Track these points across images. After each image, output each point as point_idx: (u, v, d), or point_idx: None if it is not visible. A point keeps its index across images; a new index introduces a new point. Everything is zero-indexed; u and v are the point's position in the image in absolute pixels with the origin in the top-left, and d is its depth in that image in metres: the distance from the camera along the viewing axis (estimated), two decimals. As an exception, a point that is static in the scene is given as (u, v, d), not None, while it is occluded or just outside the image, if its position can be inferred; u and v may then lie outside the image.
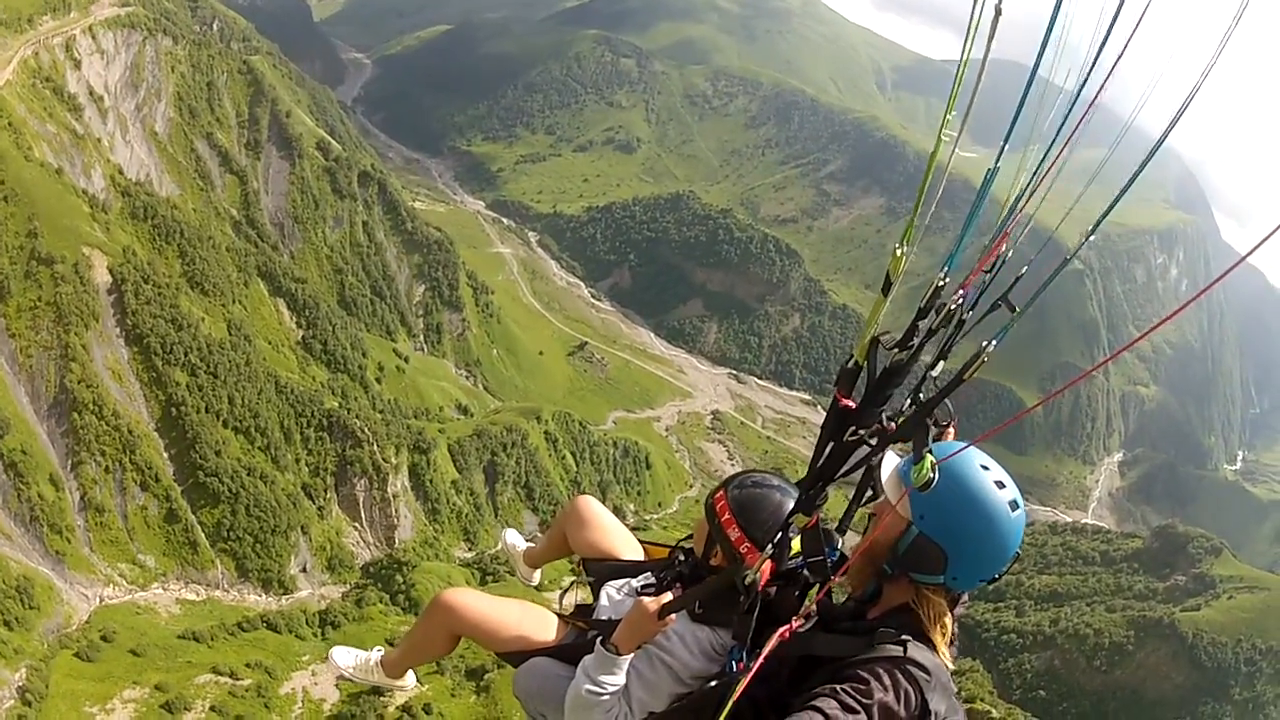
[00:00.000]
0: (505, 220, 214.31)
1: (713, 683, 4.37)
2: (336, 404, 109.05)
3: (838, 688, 3.70)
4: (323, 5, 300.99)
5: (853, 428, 3.85)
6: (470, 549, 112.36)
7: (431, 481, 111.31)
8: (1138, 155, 3.42)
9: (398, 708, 71.02)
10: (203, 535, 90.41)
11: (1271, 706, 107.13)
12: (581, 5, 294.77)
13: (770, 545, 4.20)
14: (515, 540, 6.99)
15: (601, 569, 5.43)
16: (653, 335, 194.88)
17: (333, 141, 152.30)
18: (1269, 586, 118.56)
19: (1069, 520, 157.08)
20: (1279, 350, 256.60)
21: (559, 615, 5.22)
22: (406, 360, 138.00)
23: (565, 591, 5.56)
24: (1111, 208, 3.42)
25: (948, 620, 4.12)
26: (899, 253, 3.47)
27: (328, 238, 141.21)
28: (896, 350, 3.75)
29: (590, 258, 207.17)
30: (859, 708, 3.62)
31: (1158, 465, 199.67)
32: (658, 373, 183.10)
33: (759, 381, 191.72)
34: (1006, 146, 3.59)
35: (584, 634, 4.94)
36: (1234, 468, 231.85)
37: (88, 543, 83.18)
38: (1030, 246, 4.01)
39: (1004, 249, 3.79)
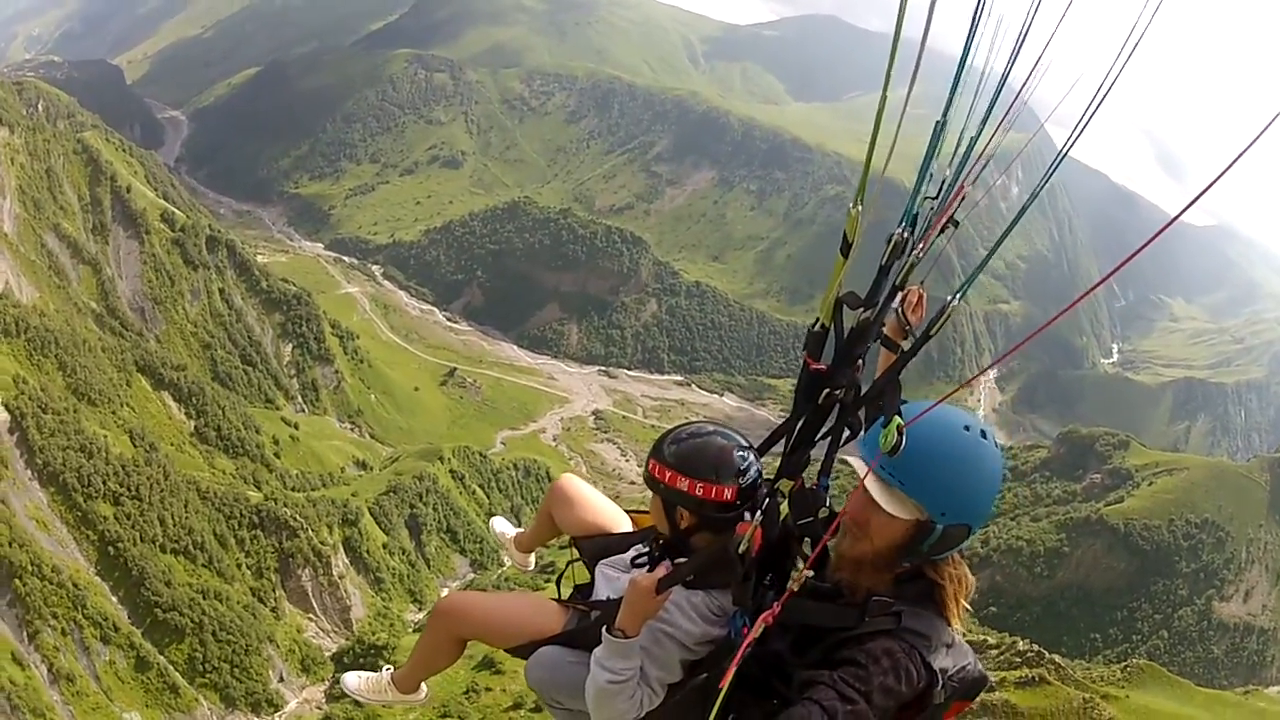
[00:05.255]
0: (346, 258, 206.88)
1: (704, 675, 4.40)
2: (260, 496, 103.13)
3: (835, 676, 3.66)
4: (132, 67, 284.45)
5: (826, 390, 3.99)
6: (419, 609, 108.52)
7: (368, 552, 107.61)
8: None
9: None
10: (179, 676, 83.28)
11: (1225, 570, 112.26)
12: (388, 25, 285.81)
13: (760, 512, 4.16)
14: (504, 527, 6.99)
15: (593, 546, 5.45)
16: (515, 347, 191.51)
17: (176, 210, 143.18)
18: (1185, 465, 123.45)
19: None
20: (1133, 243, 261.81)
21: (559, 601, 5.22)
22: (296, 427, 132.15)
23: (561, 575, 5.57)
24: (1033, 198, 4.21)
25: (966, 572, 4.07)
26: (854, 211, 3.57)
27: (189, 313, 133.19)
28: (862, 310, 3.88)
29: (438, 280, 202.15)
30: (857, 696, 3.59)
31: (1035, 375, 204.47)
32: (530, 384, 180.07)
33: (629, 373, 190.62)
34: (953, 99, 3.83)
35: (586, 616, 4.97)
36: (1111, 360, 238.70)
37: (70, 717, 75.26)
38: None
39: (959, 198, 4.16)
